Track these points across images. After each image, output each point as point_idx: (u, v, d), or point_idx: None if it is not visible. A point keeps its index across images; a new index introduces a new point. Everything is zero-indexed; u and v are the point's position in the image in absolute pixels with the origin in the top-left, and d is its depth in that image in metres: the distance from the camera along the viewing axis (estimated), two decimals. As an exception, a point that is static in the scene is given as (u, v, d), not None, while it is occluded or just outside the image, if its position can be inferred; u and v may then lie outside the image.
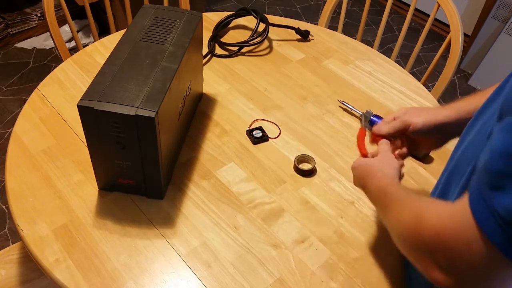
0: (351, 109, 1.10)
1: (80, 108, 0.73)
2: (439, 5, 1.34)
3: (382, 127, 0.82)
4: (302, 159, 0.97)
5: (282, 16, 1.67)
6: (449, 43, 1.32)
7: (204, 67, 1.20)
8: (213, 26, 1.31)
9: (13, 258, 1.06)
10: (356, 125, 1.07)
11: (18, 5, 2.42)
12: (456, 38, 1.30)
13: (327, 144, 1.02)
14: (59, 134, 0.98)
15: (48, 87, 1.09)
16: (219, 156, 0.97)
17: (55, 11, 1.30)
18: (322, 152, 1.00)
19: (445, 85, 1.33)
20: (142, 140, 0.76)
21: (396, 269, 0.80)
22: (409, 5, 2.53)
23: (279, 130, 1.04)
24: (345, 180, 0.94)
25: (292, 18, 1.68)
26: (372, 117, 1.05)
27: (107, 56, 0.83)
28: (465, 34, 2.47)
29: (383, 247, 0.83)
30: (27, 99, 1.05)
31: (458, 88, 2.49)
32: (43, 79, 1.11)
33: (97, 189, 0.88)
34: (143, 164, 0.80)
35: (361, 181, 0.75)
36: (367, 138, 0.91)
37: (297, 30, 1.32)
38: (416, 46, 1.42)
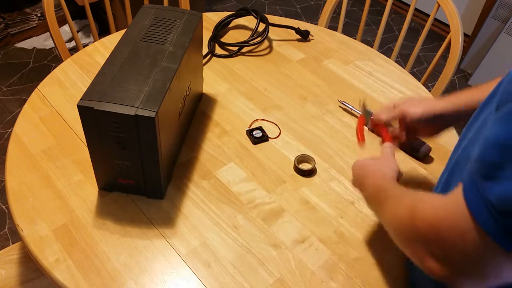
0: (351, 109, 1.10)
1: (80, 108, 0.73)
2: (439, 5, 1.34)
3: (382, 115, 0.87)
4: (302, 159, 0.97)
5: (282, 16, 1.67)
6: (449, 43, 1.32)
7: (204, 67, 1.20)
8: (213, 26, 1.31)
9: (13, 258, 1.06)
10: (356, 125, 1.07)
11: (18, 5, 2.42)
12: (456, 38, 1.30)
13: (327, 144, 1.02)
14: (59, 134, 0.98)
15: (48, 87, 1.09)
16: (219, 156, 0.97)
17: (55, 11, 1.30)
18: (322, 152, 1.00)
19: (445, 85, 1.33)
20: (142, 140, 0.76)
21: (396, 269, 0.80)
22: (409, 5, 2.53)
23: (279, 130, 1.04)
24: (345, 180, 0.94)
25: (292, 18, 1.68)
26: (372, 117, 1.04)
27: (107, 56, 0.83)
28: (465, 34, 2.47)
29: (383, 247, 0.83)
30: (27, 99, 1.05)
31: (458, 88, 2.49)
32: (43, 79, 1.11)
33: (97, 189, 0.88)
34: (143, 164, 0.80)
35: (360, 180, 0.75)
36: (367, 137, 0.91)
37: (297, 30, 1.32)
38: (416, 46, 1.42)
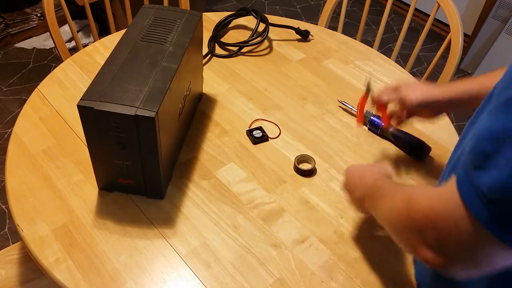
0: (351, 109, 1.10)
1: (80, 108, 0.73)
2: (439, 5, 1.34)
3: (383, 96, 0.92)
4: (302, 159, 0.97)
5: (282, 16, 1.67)
6: (449, 43, 1.32)
7: (204, 67, 1.20)
8: (213, 26, 1.31)
9: (13, 258, 1.06)
10: (356, 125, 1.07)
11: (18, 5, 2.42)
12: (456, 38, 1.30)
13: (327, 144, 1.02)
14: (59, 134, 0.98)
15: (48, 87, 1.09)
16: (219, 156, 0.97)
17: (55, 11, 1.30)
18: (322, 152, 1.00)
19: (445, 85, 1.33)
20: (142, 140, 0.76)
21: (396, 269, 0.80)
22: (409, 5, 2.53)
23: (279, 130, 1.04)
24: (345, 180, 0.95)
25: (292, 18, 1.68)
26: (372, 117, 1.05)
27: (107, 56, 0.83)
28: (465, 34, 2.47)
29: (383, 247, 0.83)
30: (27, 99, 1.05)
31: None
32: (43, 79, 1.11)
33: (97, 189, 0.88)
34: (143, 164, 0.80)
35: (355, 181, 0.76)
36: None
37: (297, 30, 1.33)
38: (416, 46, 1.42)
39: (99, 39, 1.27)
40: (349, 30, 2.74)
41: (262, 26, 1.34)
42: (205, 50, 1.24)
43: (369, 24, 2.83)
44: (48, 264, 0.76)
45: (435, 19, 2.64)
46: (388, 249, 0.83)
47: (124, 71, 0.79)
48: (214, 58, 1.24)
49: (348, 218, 0.88)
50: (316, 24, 1.43)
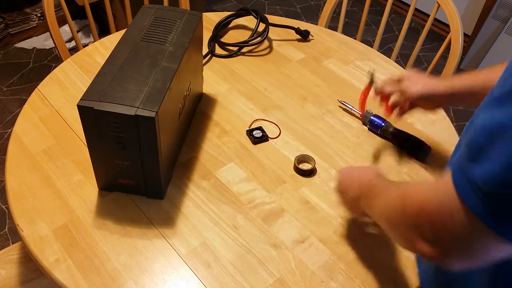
0: (351, 109, 1.10)
1: (80, 108, 0.73)
2: (439, 5, 1.34)
3: (386, 87, 0.95)
4: (302, 159, 0.97)
5: (282, 16, 1.67)
6: (449, 43, 1.32)
7: (204, 67, 1.20)
8: (213, 26, 1.31)
9: (13, 258, 1.06)
10: (356, 125, 1.07)
11: (18, 5, 2.42)
12: (456, 38, 1.30)
13: (327, 144, 1.02)
14: (59, 134, 0.98)
15: (48, 87, 1.09)
16: (219, 156, 0.97)
17: (55, 11, 1.30)
18: (322, 152, 1.00)
19: (445, 85, 1.33)
20: (142, 140, 0.76)
21: (396, 269, 0.80)
22: (409, 5, 2.53)
23: (279, 130, 1.04)
24: (345, 180, 0.94)
25: (292, 18, 1.68)
26: (372, 117, 1.05)
27: (107, 56, 0.83)
28: (465, 34, 2.47)
29: (384, 247, 0.83)
30: (27, 99, 1.05)
31: (458, 88, 2.49)
32: (43, 79, 1.11)
33: (97, 189, 0.88)
34: (143, 164, 0.80)
35: (349, 182, 0.76)
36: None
37: (297, 30, 1.32)
38: (416, 46, 1.42)
39: (99, 39, 1.27)
40: (349, 30, 2.74)
41: (262, 26, 1.34)
42: (205, 50, 1.24)
43: (369, 24, 2.83)
44: (48, 264, 0.76)
45: (435, 19, 2.64)
46: (388, 250, 0.83)
47: (124, 71, 0.79)
48: (214, 58, 1.24)
49: (348, 218, 0.88)
50: (316, 24, 1.43)
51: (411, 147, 1.01)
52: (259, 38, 1.27)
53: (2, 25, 2.33)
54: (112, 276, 0.75)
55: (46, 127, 0.99)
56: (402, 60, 2.54)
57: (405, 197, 0.55)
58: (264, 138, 1.01)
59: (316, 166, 0.96)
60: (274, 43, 1.31)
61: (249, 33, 1.34)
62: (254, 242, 0.82)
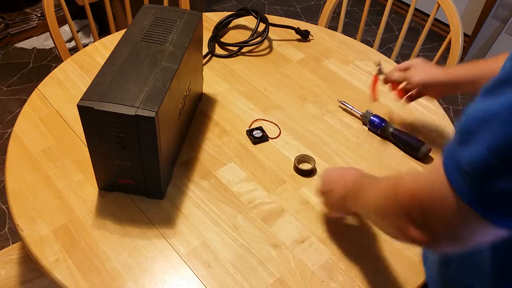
0: (351, 109, 1.10)
1: (80, 108, 0.73)
2: (439, 5, 1.34)
3: (393, 75, 1.01)
4: (302, 159, 0.97)
5: (282, 16, 1.67)
6: (449, 43, 1.32)
7: (204, 67, 1.20)
8: (213, 26, 1.31)
9: (13, 258, 1.06)
10: (356, 125, 1.07)
11: (18, 5, 2.42)
12: (456, 38, 1.30)
13: (327, 144, 1.02)
14: (59, 134, 0.98)
15: (48, 87, 1.09)
16: (219, 156, 0.97)
17: (55, 11, 1.30)
18: (322, 152, 1.00)
19: (445, 85, 1.33)
20: (142, 140, 0.76)
21: (397, 269, 0.80)
22: (409, 5, 2.53)
23: (279, 130, 1.04)
24: (345, 180, 0.94)
25: (292, 18, 1.68)
26: (372, 117, 1.05)
27: (107, 56, 0.83)
28: (465, 34, 2.47)
29: (384, 247, 0.83)
30: (27, 99, 1.05)
31: (458, 88, 2.49)
32: (43, 79, 1.11)
33: (97, 189, 0.88)
34: (143, 164, 0.80)
35: (335, 181, 0.77)
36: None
37: (297, 30, 1.32)
38: (416, 46, 1.42)
39: (99, 39, 1.27)
40: (349, 30, 2.74)
41: (262, 26, 1.34)
42: (205, 50, 1.24)
43: (369, 24, 2.83)
44: (48, 264, 0.76)
45: (435, 19, 2.64)
46: (388, 250, 0.83)
47: (124, 71, 0.79)
48: (214, 58, 1.24)
49: (348, 218, 0.88)
50: (316, 24, 1.43)
51: (411, 147, 1.01)
52: (259, 38, 1.27)
53: (2, 25, 2.33)
54: (112, 276, 0.75)
55: (46, 127, 0.99)
56: (402, 60, 2.52)
57: (398, 186, 0.56)
58: (264, 138, 1.01)
59: (316, 166, 0.96)
60: (274, 43, 1.31)
61: (249, 33, 1.34)
62: (254, 242, 0.82)
